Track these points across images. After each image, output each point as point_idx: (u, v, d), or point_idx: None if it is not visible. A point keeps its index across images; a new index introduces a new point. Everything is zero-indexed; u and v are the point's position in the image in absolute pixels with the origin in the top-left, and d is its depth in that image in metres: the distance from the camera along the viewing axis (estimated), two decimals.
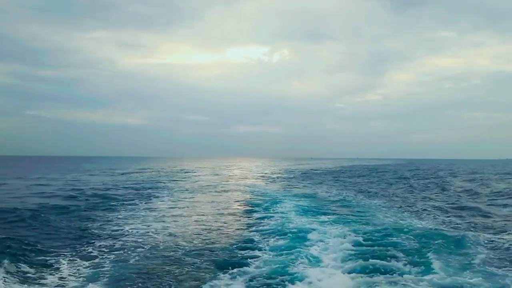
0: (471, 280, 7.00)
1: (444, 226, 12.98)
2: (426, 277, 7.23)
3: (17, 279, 7.09)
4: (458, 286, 6.78)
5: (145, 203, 18.34)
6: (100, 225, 12.76)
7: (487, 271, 7.65)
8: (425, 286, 6.81)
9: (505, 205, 18.15)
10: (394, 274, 7.49)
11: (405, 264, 8.09)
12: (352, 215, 15.00)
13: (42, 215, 13.58)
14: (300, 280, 7.16)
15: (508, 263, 8.26)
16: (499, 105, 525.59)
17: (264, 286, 6.99)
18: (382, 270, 7.69)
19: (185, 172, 49.15)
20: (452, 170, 58.38)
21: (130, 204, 17.77)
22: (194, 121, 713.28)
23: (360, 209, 16.88)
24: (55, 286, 6.98)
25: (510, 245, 9.83)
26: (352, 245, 9.58)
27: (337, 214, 14.88)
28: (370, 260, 8.24)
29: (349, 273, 7.63)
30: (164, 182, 31.66)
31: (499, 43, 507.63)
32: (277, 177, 41.03)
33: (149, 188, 26.12)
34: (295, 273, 7.57)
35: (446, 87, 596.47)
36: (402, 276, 7.32)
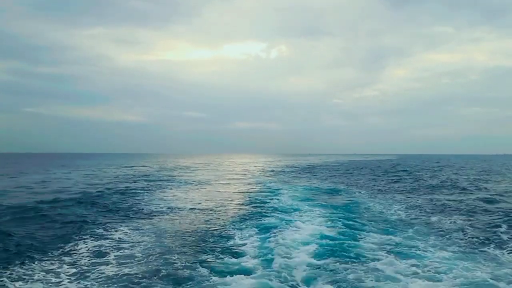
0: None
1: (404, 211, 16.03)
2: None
3: (95, 238, 10.27)
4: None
5: (160, 191, 21.41)
6: (131, 206, 15.77)
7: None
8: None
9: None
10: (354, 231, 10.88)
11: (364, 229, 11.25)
12: (338, 200, 18.03)
13: (86, 201, 16.59)
14: (292, 226, 11.26)
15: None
16: (497, 101, 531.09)
17: (272, 229, 10.81)
18: (348, 227, 11.25)
19: (188, 167, 52.08)
20: (441, 165, 61.48)
21: (149, 192, 20.86)
22: (192, 118, 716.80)
23: (346, 196, 19.67)
24: (119, 238, 10.14)
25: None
26: (330, 216, 12.76)
27: (326, 200, 17.80)
28: (341, 223, 11.68)
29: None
30: (170, 176, 34.70)
31: (497, 38, 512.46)
32: (275, 171, 43.95)
33: (159, 180, 29.19)
34: (290, 222, 11.74)
35: (443, 83, 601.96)
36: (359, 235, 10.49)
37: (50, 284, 6.85)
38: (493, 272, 7.40)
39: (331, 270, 7.48)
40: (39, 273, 7.30)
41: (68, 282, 6.97)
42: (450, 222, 12.52)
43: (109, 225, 11.74)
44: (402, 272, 7.40)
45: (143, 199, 17.81)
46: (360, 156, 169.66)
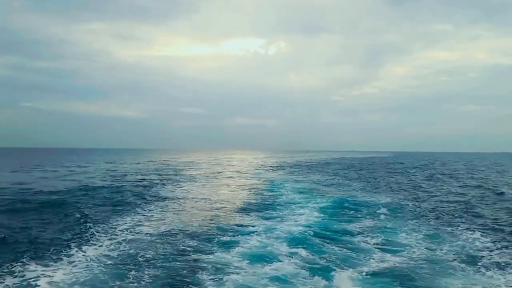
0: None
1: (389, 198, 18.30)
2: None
3: (131, 212, 13.17)
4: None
5: (172, 184, 23.93)
6: (152, 194, 18.30)
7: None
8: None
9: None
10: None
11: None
12: (334, 193, 20.19)
13: (115, 190, 19.15)
14: (292, 212, 13.92)
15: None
16: (495, 99, 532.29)
17: (274, 216, 13.14)
18: (339, 215, 13.61)
19: (189, 163, 54.01)
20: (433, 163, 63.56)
21: (163, 184, 23.42)
22: (190, 114, 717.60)
23: (341, 190, 21.68)
24: (149, 213, 13.02)
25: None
26: (325, 206, 15.06)
27: (322, 193, 19.90)
28: (334, 212, 14.11)
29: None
30: (177, 170, 36.96)
31: (496, 36, 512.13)
32: (275, 167, 46.04)
33: (168, 174, 31.51)
34: (290, 210, 14.41)
35: (442, 80, 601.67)
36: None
37: (112, 236, 9.94)
38: (450, 249, 9.12)
39: (319, 241, 9.70)
40: (104, 231, 10.42)
41: (123, 234, 10.10)
42: (428, 210, 14.44)
43: (139, 203, 15.05)
44: (375, 245, 9.53)
45: (160, 189, 20.47)
46: (359, 153, 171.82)
